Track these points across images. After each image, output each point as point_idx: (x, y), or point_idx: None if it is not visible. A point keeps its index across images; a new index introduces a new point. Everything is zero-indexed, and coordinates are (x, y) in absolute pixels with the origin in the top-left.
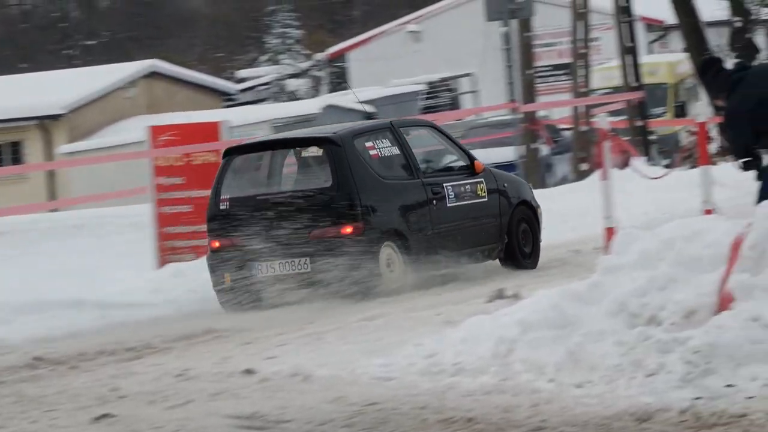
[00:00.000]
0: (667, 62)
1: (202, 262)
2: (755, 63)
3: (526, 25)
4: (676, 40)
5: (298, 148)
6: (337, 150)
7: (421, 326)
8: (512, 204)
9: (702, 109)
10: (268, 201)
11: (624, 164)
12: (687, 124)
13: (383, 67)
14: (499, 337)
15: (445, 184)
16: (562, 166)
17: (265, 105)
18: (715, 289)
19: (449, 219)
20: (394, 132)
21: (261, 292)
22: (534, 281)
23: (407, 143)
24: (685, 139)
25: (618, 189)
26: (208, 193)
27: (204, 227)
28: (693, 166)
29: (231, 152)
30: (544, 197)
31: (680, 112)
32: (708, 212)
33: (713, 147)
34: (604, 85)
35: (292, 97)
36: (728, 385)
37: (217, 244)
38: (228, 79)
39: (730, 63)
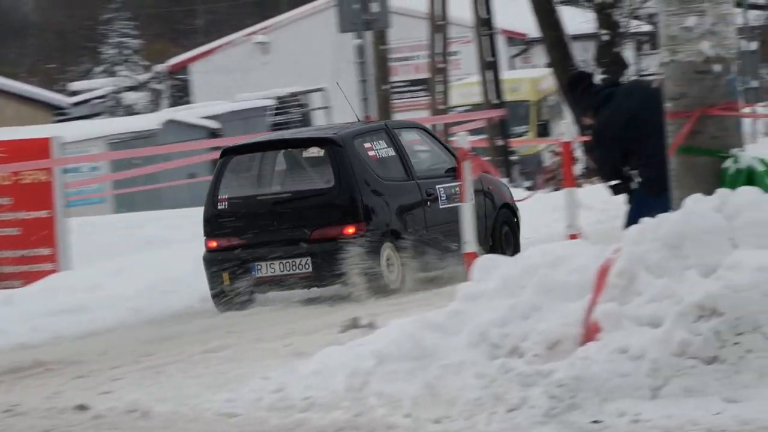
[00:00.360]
0: (530, 78)
1: (33, 289)
2: (624, 79)
3: (381, 38)
4: (540, 54)
5: (298, 149)
6: (339, 150)
7: (270, 358)
8: (496, 206)
9: (566, 127)
10: (268, 201)
11: None
12: (551, 143)
13: (229, 81)
14: (353, 370)
15: (437, 186)
16: None
17: (100, 120)
18: (581, 318)
19: (441, 220)
20: (390, 133)
21: (259, 293)
22: (390, 310)
23: (402, 144)
24: (549, 160)
25: None
26: (39, 214)
27: (35, 251)
28: (557, 188)
29: (228, 152)
30: None
31: (543, 131)
32: (573, 237)
33: (578, 168)
34: (464, 102)
35: (130, 111)
36: (594, 421)
37: (214, 244)
38: (60, 91)
39: (598, 79)
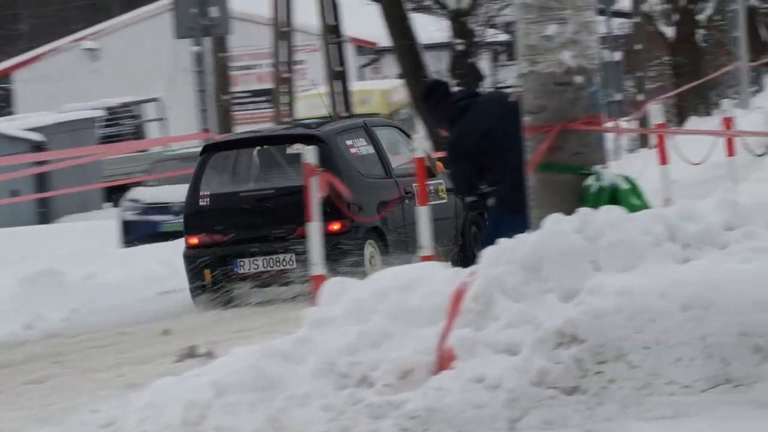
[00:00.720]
0: (381, 90)
1: None
2: (481, 90)
3: (221, 45)
4: (391, 64)
5: (282, 145)
6: (323, 147)
7: (100, 389)
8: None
9: (419, 142)
10: (251, 197)
11: None
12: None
13: (55, 89)
14: (190, 402)
15: (413, 184)
16: None
17: None
18: (435, 345)
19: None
20: (368, 131)
21: (241, 289)
22: (231, 337)
23: (380, 142)
24: None
25: None
26: None
27: None
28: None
29: (209, 149)
30: None
31: None
32: (426, 258)
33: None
34: (310, 114)
35: None
36: None
37: (195, 240)
38: None
39: (456, 89)
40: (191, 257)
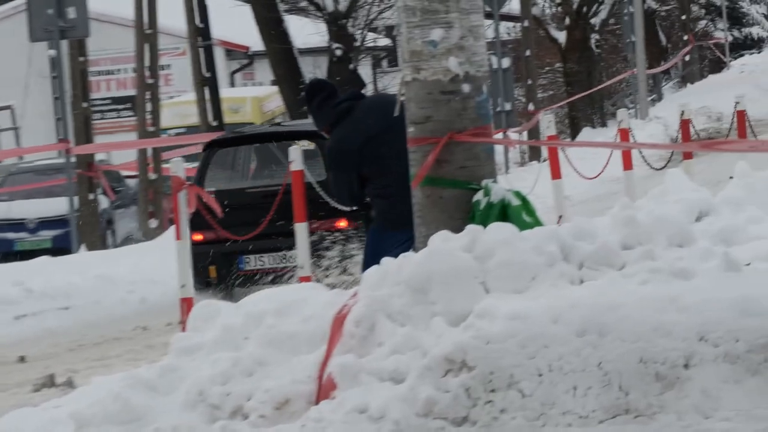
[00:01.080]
0: (253, 97)
1: None
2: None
3: (79, 48)
4: (264, 70)
5: (288, 141)
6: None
7: None
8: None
9: (296, 154)
10: (257, 194)
11: None
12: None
13: None
14: None
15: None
16: (126, 222)
17: None
18: (314, 373)
19: None
20: None
21: (247, 285)
22: (93, 365)
23: None
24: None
25: None
26: None
27: None
28: None
29: (213, 145)
30: (104, 260)
31: None
32: (304, 279)
33: None
34: (177, 123)
35: None
36: None
37: (200, 236)
38: None
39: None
40: (196, 254)
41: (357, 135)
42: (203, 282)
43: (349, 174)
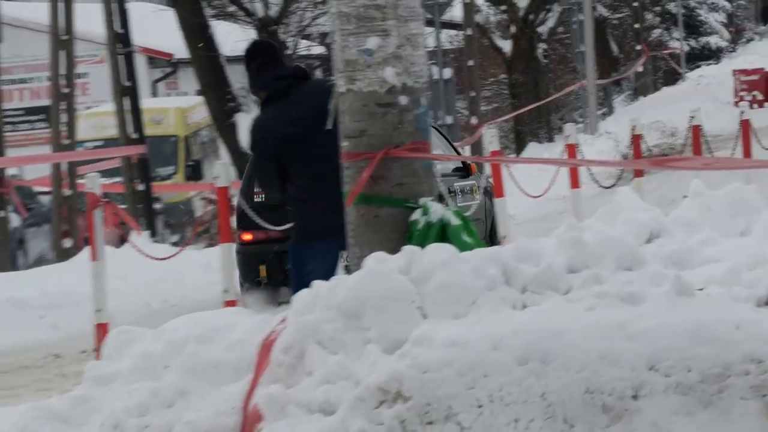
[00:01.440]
0: (177, 107)
1: None
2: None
3: None
4: (189, 78)
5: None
6: None
7: None
8: (493, 206)
9: (223, 169)
10: None
11: (120, 240)
12: (203, 189)
13: None
14: None
15: (455, 183)
16: (39, 241)
17: None
18: (239, 405)
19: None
20: None
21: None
22: None
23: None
24: (201, 209)
25: (113, 273)
26: None
27: None
28: (211, 244)
29: None
30: (13, 282)
31: (194, 173)
32: (230, 304)
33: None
34: (94, 135)
35: None
36: None
37: (249, 236)
38: None
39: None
40: (245, 254)
41: (283, 122)
42: (252, 282)
43: (266, 161)
